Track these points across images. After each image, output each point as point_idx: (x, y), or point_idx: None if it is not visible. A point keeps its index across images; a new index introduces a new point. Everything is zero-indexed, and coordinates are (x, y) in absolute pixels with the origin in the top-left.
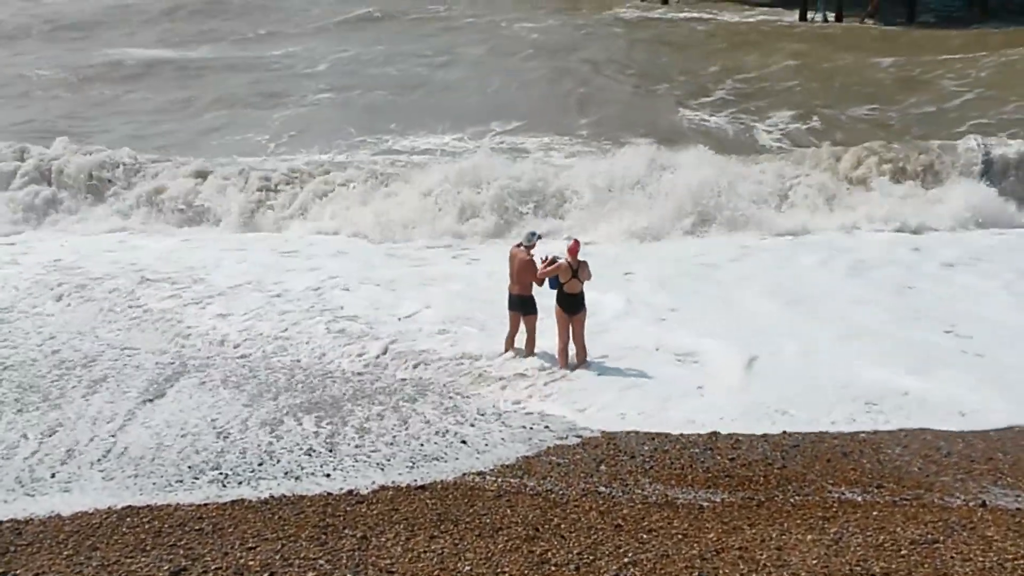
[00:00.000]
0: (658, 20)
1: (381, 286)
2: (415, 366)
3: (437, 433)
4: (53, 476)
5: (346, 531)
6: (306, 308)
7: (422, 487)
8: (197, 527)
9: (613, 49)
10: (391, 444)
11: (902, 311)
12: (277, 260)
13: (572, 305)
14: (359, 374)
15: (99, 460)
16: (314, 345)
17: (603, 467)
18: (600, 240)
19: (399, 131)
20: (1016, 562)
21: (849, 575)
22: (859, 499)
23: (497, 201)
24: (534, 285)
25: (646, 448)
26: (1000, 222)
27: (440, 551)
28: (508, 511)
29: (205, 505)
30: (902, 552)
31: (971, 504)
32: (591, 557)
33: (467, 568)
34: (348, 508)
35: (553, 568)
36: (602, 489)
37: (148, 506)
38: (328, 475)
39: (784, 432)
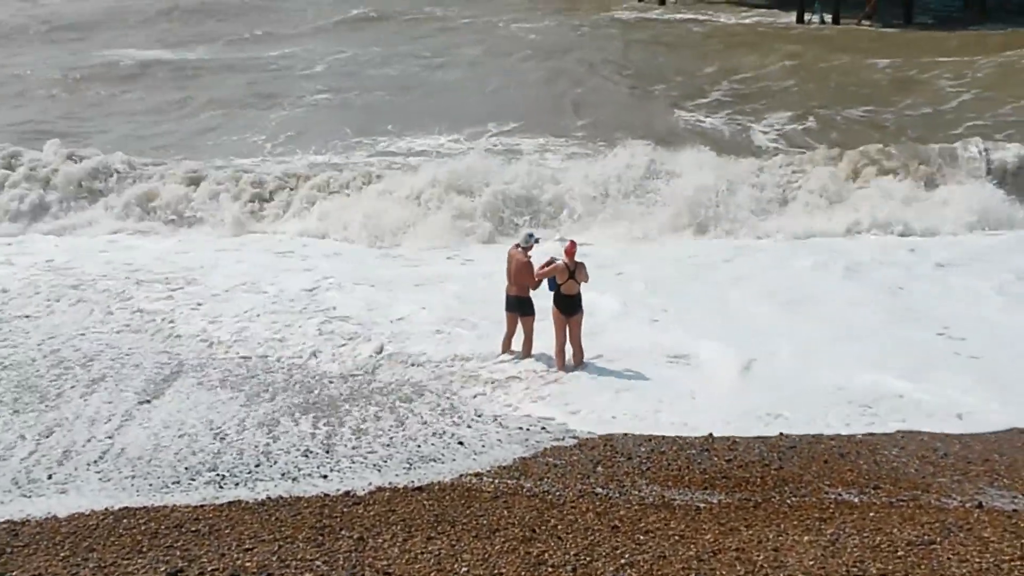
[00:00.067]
0: (655, 21)
1: (376, 287)
2: (411, 367)
3: (434, 434)
4: (50, 477)
5: (343, 532)
6: (301, 309)
7: (419, 488)
8: (194, 528)
9: (610, 50)
10: (388, 445)
11: (896, 312)
12: (272, 261)
13: (569, 306)
14: (355, 375)
15: (96, 461)
16: (309, 346)
17: (600, 468)
18: (596, 241)
19: (396, 132)
20: (1012, 563)
21: None
22: (856, 500)
23: (491, 209)
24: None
25: (643, 449)
26: (996, 224)
27: (437, 552)
28: (505, 512)
29: (202, 506)
30: (899, 553)
31: (968, 505)
32: (588, 558)
33: (464, 569)
34: (345, 509)
35: (550, 569)
36: (599, 490)
37: (145, 507)
38: (325, 476)
39: (781, 434)
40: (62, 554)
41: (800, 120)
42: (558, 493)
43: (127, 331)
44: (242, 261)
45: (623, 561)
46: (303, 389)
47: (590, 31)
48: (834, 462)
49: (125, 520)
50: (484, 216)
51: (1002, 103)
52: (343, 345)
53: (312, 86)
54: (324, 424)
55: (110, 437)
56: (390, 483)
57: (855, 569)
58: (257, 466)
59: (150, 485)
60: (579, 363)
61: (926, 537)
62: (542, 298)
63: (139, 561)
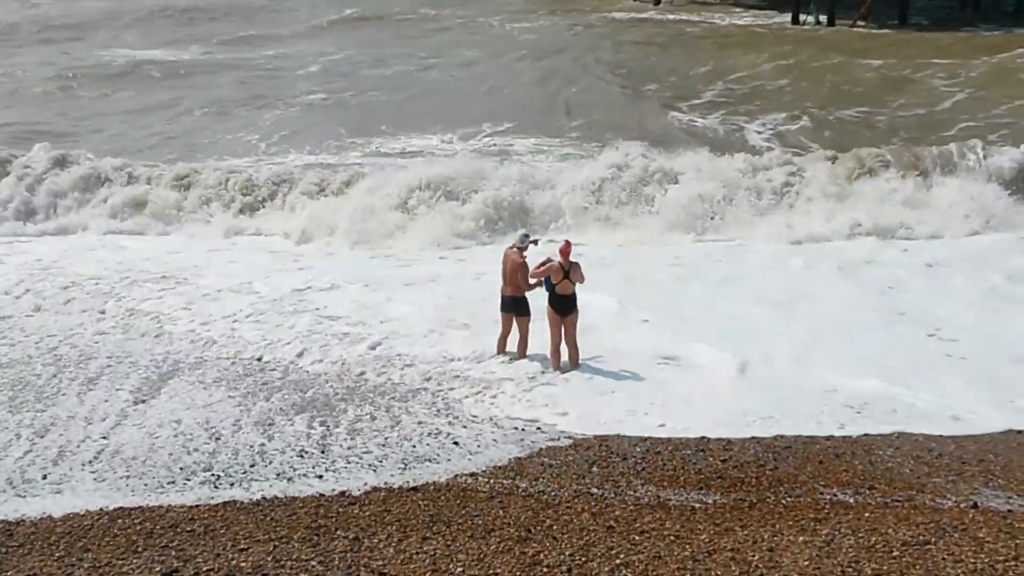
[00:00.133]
0: (649, 21)
1: (368, 287)
2: (405, 367)
3: (429, 434)
4: (45, 477)
5: (338, 532)
6: (295, 310)
7: (414, 488)
8: (189, 528)
9: (604, 50)
10: (383, 445)
11: (888, 313)
12: (264, 261)
13: (564, 306)
14: (349, 375)
15: (91, 461)
16: (303, 346)
17: (595, 469)
18: (591, 242)
19: (390, 132)
20: (1007, 563)
21: None
22: (851, 500)
23: (482, 216)
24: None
25: (638, 450)
26: (993, 225)
27: (432, 552)
28: (500, 512)
29: (197, 506)
30: (894, 553)
31: (962, 505)
32: (583, 558)
33: (459, 569)
34: (340, 509)
35: (545, 569)
36: (594, 491)
37: (140, 507)
38: (320, 476)
39: (777, 435)
40: (57, 554)
41: (794, 120)
42: (553, 493)
43: (120, 331)
44: (234, 261)
45: (618, 561)
46: (297, 389)
47: (584, 31)
48: (829, 462)
49: (120, 520)
50: (475, 221)
51: (996, 104)
52: (336, 345)
53: (306, 86)
54: (319, 424)
55: (105, 437)
56: (385, 483)
57: (850, 569)
58: (252, 466)
59: (145, 485)
60: (575, 363)
61: (921, 537)
62: (537, 298)
63: (134, 561)
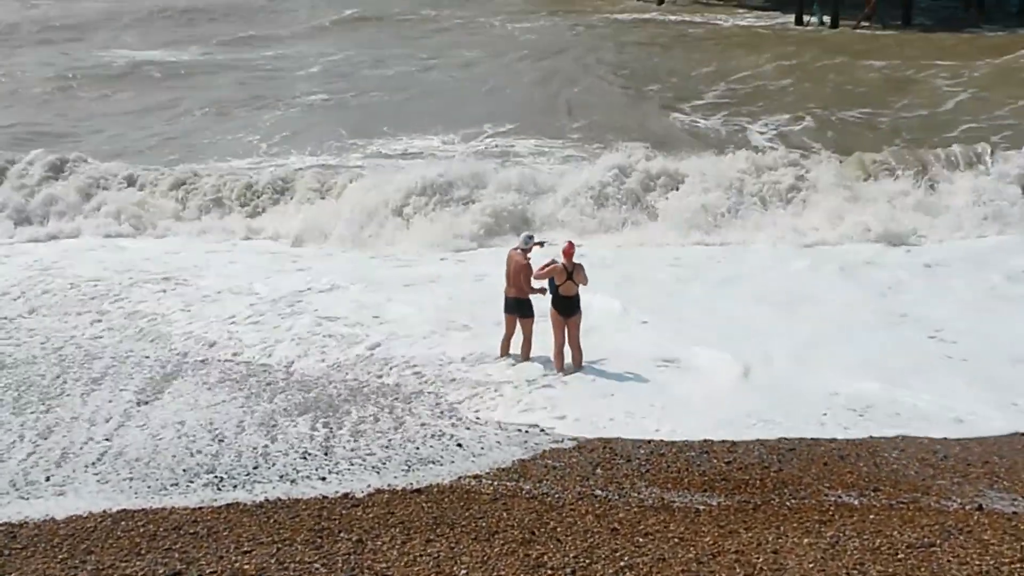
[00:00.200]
0: (652, 22)
1: (369, 288)
2: (407, 369)
3: (432, 436)
4: (48, 479)
5: (342, 535)
6: (295, 311)
7: (418, 490)
8: (192, 531)
9: (606, 51)
10: (386, 447)
11: (889, 315)
12: (264, 262)
13: (567, 308)
14: (350, 377)
15: (94, 463)
16: (305, 348)
17: (599, 471)
18: (593, 243)
19: (391, 133)
20: (1013, 565)
21: None
22: (856, 502)
23: (482, 227)
24: (532, 287)
25: (642, 452)
26: (992, 227)
27: (436, 555)
28: (504, 514)
29: (200, 508)
30: (899, 556)
31: (968, 508)
32: (587, 561)
33: (463, 572)
34: (344, 511)
35: (549, 572)
36: (598, 493)
37: (143, 509)
38: (323, 478)
39: (780, 437)
40: (60, 556)
41: (797, 121)
42: (557, 495)
43: (121, 332)
44: (234, 262)
45: (622, 564)
46: (300, 390)
47: (586, 32)
48: (834, 464)
49: (123, 522)
50: (474, 228)
51: (999, 104)
52: (337, 346)
53: (306, 87)
54: (322, 426)
55: (108, 439)
56: (389, 485)
57: (855, 572)
58: (255, 468)
59: (148, 487)
60: (578, 365)
61: (926, 539)
62: (541, 300)
63: (137, 563)
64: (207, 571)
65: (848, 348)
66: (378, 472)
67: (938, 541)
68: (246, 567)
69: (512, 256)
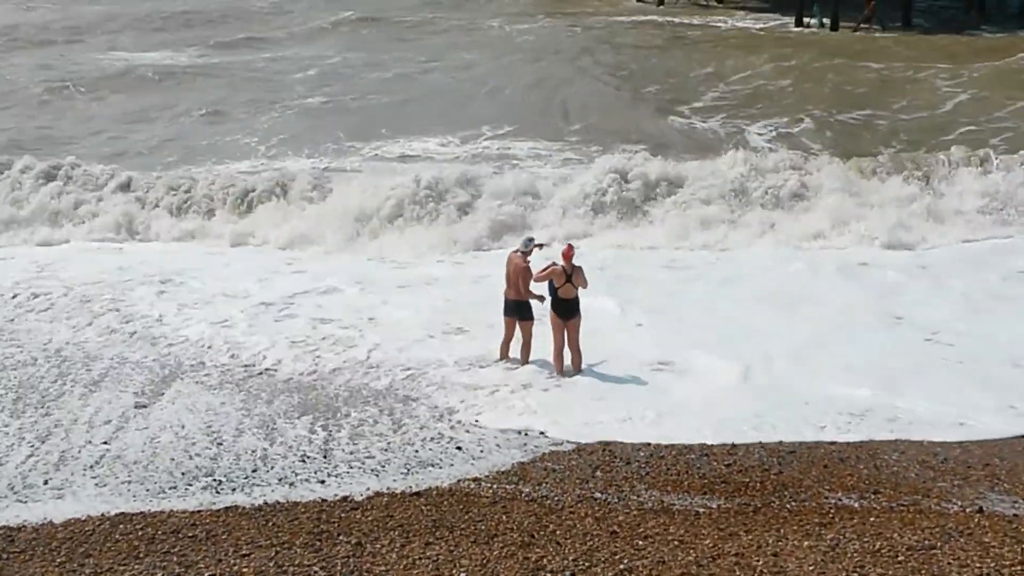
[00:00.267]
0: (650, 24)
1: (367, 291)
2: (406, 371)
3: (432, 439)
4: (46, 482)
5: (341, 538)
6: (293, 313)
7: (417, 493)
8: (191, 534)
9: (604, 53)
10: (385, 450)
11: (886, 317)
12: (261, 265)
13: (567, 310)
14: (349, 380)
15: (92, 466)
16: (303, 350)
17: (598, 473)
18: (592, 245)
19: (389, 136)
20: (1013, 568)
21: None
22: (856, 505)
23: (478, 235)
24: (532, 289)
25: (641, 454)
26: (990, 228)
27: (435, 558)
28: (503, 517)
29: (199, 512)
30: (899, 558)
31: (968, 510)
32: (587, 564)
33: (462, 575)
34: (343, 514)
35: (548, 575)
36: (597, 495)
37: (141, 513)
38: (322, 481)
39: (780, 440)
40: (58, 560)
41: (796, 123)
42: (556, 498)
43: (119, 335)
44: (230, 265)
45: (622, 567)
46: (298, 393)
47: (584, 34)
48: (834, 467)
49: (122, 526)
50: (471, 234)
51: (998, 106)
52: (334, 348)
53: (304, 89)
54: (321, 428)
55: (106, 442)
56: (388, 488)
57: (855, 574)
58: (254, 471)
59: (147, 490)
60: (578, 367)
61: (927, 542)
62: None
63: (136, 567)
64: (205, 574)
65: (848, 350)
66: (377, 475)
67: (939, 544)
68: (245, 570)
69: (512, 258)
